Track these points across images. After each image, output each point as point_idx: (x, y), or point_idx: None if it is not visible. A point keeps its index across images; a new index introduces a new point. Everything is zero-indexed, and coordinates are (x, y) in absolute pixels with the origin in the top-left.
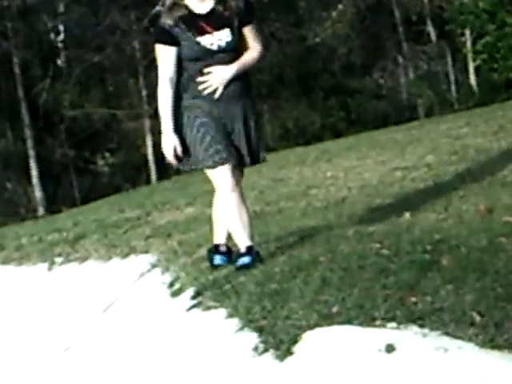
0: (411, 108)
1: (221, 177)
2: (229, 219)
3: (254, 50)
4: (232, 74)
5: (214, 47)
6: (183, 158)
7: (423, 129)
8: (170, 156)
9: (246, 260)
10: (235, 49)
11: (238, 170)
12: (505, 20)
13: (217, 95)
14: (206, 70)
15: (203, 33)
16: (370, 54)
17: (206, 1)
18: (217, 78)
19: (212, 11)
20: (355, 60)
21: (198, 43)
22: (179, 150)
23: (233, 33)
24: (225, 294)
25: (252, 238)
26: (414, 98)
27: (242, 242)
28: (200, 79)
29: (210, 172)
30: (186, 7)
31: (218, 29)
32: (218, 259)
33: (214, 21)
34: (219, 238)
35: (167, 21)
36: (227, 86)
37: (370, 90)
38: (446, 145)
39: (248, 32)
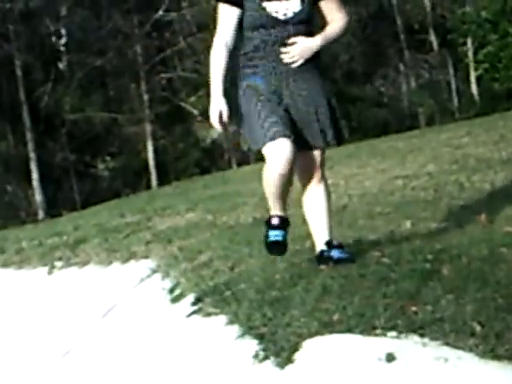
0: (412, 116)
1: (274, 150)
2: (269, 191)
3: (337, 22)
4: (317, 46)
5: (280, 16)
6: (227, 124)
7: (424, 137)
8: (215, 121)
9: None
10: (305, 22)
11: (309, 155)
12: (507, 30)
13: (297, 63)
14: (289, 41)
15: None
16: (372, 61)
17: None
18: (300, 48)
19: None
20: (356, 68)
21: (264, 8)
22: (225, 115)
23: (303, 3)
24: (225, 301)
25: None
26: (415, 106)
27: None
28: (283, 49)
29: (265, 150)
30: None
31: None
32: (271, 235)
33: None
34: (273, 208)
35: None
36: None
37: (371, 97)
38: (447, 154)
39: (327, 3)
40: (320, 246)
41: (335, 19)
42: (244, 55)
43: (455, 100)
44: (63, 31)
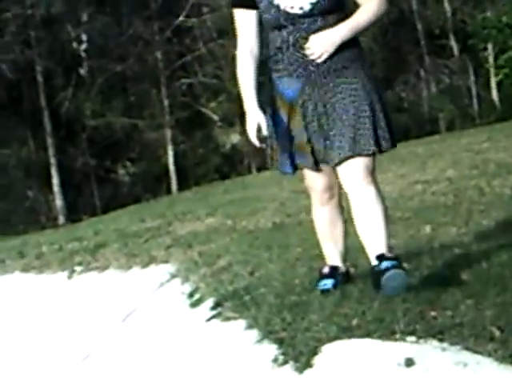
0: (432, 122)
1: (308, 180)
2: (317, 232)
3: (367, 4)
4: (341, 37)
5: (296, 10)
6: (268, 140)
7: (444, 143)
8: (253, 136)
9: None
10: (331, 12)
11: (349, 163)
12: None
13: (322, 59)
14: (302, 40)
15: None
16: (392, 67)
17: None
18: (321, 42)
19: None
20: (377, 73)
21: (277, 6)
22: (264, 129)
23: None
24: (244, 305)
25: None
26: (435, 111)
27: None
28: (306, 46)
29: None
30: None
31: None
32: (320, 284)
33: None
34: (325, 255)
35: None
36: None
37: (391, 103)
38: (467, 159)
39: None
40: (373, 260)
41: (366, 1)
42: (271, 58)
43: (475, 105)
44: (84, 37)
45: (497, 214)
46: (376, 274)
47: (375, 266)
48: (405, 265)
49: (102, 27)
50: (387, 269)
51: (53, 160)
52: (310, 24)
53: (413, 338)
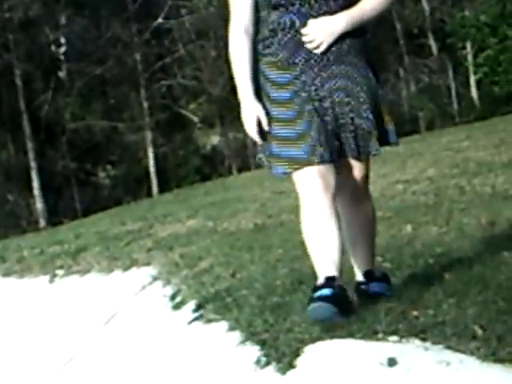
0: (412, 121)
1: (304, 181)
2: (308, 240)
3: None
4: (342, 27)
5: None
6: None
7: (424, 142)
8: (252, 132)
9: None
10: None
11: (346, 164)
12: (506, 33)
13: (320, 49)
14: (301, 24)
15: None
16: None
17: None
18: (319, 30)
19: None
20: None
21: None
22: (265, 121)
23: None
24: (226, 307)
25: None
26: (415, 110)
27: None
28: (303, 31)
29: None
30: None
31: None
32: (316, 294)
33: None
34: (317, 269)
35: None
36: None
37: None
38: (447, 158)
39: None
40: (359, 275)
41: None
42: (260, 44)
43: (455, 104)
44: (63, 40)
45: (477, 212)
46: (363, 293)
47: (362, 283)
48: (387, 264)
49: (80, 30)
50: (380, 293)
51: (33, 163)
52: (314, 6)
53: (395, 338)
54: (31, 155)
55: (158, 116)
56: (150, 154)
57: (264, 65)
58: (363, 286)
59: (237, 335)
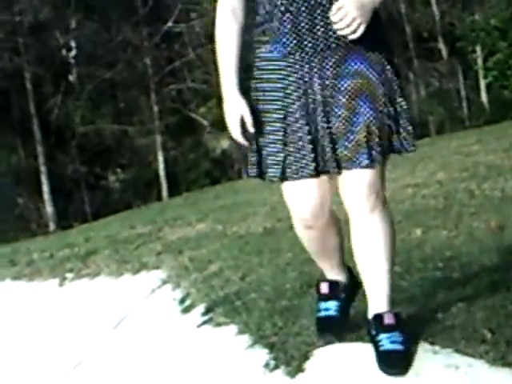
0: (422, 125)
1: (293, 196)
2: (307, 249)
3: None
4: (374, 1)
5: None
6: (254, 136)
7: (434, 146)
8: (235, 133)
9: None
10: None
11: (352, 173)
12: None
13: (357, 33)
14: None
15: None
16: None
17: None
18: (354, 7)
19: None
20: None
21: None
22: (249, 121)
23: None
24: (236, 311)
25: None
26: (425, 114)
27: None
28: (333, 7)
29: (283, 188)
30: None
31: None
32: (321, 308)
33: None
34: (325, 273)
35: None
36: (328, 35)
37: None
38: (457, 162)
39: None
40: (370, 310)
41: None
42: (256, 27)
43: (465, 108)
44: (73, 44)
45: (487, 216)
46: (373, 345)
47: (371, 330)
48: (397, 268)
49: (90, 34)
50: (385, 351)
51: (43, 167)
52: None
53: None
54: (41, 159)
55: (167, 120)
56: (160, 158)
57: (257, 55)
58: (372, 333)
59: (246, 339)
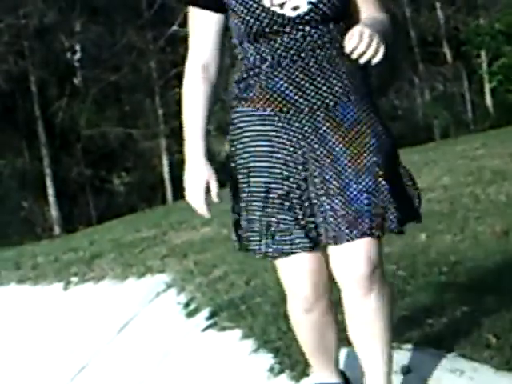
0: (427, 129)
1: (291, 273)
2: (301, 342)
3: (381, 14)
4: (380, 36)
5: (288, 11)
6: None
7: (439, 150)
8: (197, 202)
9: None
10: (337, 16)
11: (346, 247)
12: None
13: (379, 56)
14: (310, 52)
15: None
16: (386, 74)
17: None
18: (366, 32)
19: None
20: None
21: (259, 2)
22: (214, 191)
23: None
24: (240, 315)
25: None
26: (429, 119)
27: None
28: (346, 37)
29: (276, 263)
30: None
31: None
32: None
33: None
34: (314, 368)
35: None
36: (318, 82)
37: (385, 110)
38: (462, 166)
39: None
40: None
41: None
42: (234, 86)
43: (470, 112)
44: (78, 47)
45: (492, 220)
46: None
47: None
48: (401, 272)
49: (95, 37)
50: None
51: (48, 170)
52: (302, 34)
53: (409, 346)
54: (46, 162)
55: (172, 123)
56: (165, 161)
57: (237, 114)
58: None
59: (250, 343)
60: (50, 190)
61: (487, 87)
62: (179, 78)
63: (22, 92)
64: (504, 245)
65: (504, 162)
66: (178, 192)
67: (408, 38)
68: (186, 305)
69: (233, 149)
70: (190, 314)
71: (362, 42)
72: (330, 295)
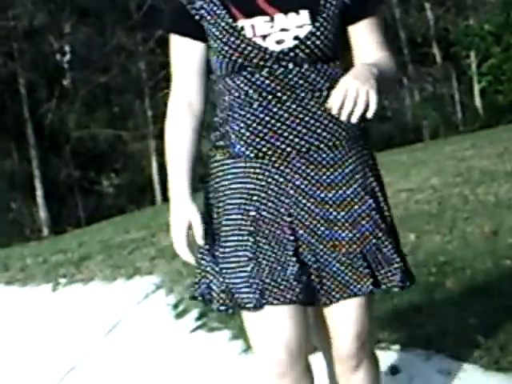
0: (416, 130)
1: (264, 330)
2: None
3: (384, 56)
4: (374, 72)
5: (271, 45)
6: (210, 252)
7: (428, 151)
8: (181, 246)
9: None
10: (326, 55)
11: (333, 311)
12: (510, 42)
13: (372, 109)
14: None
15: (253, 12)
16: None
17: None
18: (351, 85)
19: None
20: None
21: (240, 32)
22: (199, 235)
23: (316, 19)
24: (229, 316)
25: None
26: (419, 119)
27: None
28: (331, 97)
29: (245, 317)
30: None
31: (285, 8)
32: None
33: None
34: None
35: None
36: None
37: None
38: (451, 167)
39: (363, 30)
40: None
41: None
42: (213, 130)
43: (459, 113)
44: (67, 48)
45: (481, 221)
46: None
47: None
48: None
49: (84, 38)
50: None
51: (36, 172)
52: (285, 72)
53: (397, 346)
54: (35, 163)
55: (162, 124)
56: (154, 163)
57: (216, 162)
58: None
59: (239, 344)
60: (39, 192)
61: (476, 88)
62: (168, 79)
63: (11, 93)
64: (492, 245)
65: (493, 162)
66: (167, 193)
67: (397, 39)
68: (175, 306)
69: (211, 200)
70: (179, 315)
71: (347, 99)
72: (307, 359)
